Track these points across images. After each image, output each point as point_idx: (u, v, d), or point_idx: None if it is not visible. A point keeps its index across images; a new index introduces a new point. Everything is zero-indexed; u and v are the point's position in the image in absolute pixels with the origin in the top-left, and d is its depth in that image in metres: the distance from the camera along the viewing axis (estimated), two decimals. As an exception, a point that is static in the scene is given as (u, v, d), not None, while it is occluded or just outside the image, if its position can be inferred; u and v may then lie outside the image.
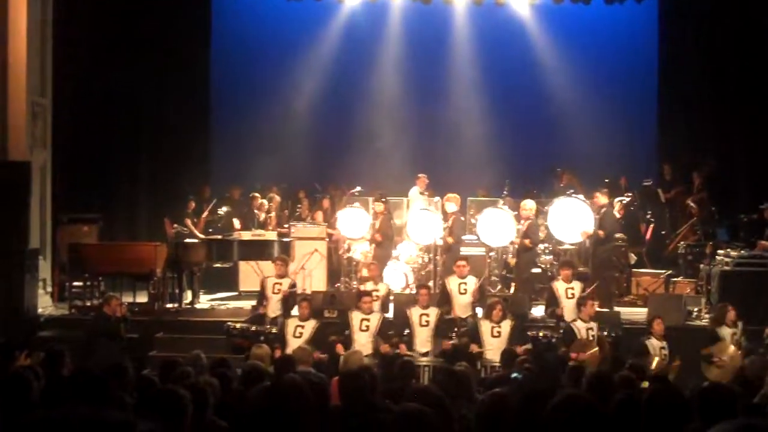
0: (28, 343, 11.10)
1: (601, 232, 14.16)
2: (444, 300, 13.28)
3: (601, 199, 14.45)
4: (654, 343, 11.69)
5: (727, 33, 17.45)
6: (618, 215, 15.09)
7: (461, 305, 13.13)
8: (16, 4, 14.04)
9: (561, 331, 12.37)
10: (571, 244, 15.19)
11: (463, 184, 17.08)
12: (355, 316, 12.24)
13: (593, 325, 12.07)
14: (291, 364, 8.51)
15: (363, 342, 11.94)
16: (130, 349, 11.95)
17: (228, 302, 15.73)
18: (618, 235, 14.90)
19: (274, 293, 13.20)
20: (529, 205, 14.64)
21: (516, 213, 14.85)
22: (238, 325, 12.78)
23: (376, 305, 12.81)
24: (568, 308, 12.81)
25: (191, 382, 6.23)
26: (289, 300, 13.07)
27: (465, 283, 13.22)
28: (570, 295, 12.89)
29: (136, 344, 12.65)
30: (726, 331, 11.99)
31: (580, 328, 12.05)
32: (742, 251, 14.12)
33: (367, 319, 12.17)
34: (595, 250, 14.42)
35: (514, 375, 11.21)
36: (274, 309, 13.08)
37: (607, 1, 17.67)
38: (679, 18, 18.14)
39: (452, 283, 13.28)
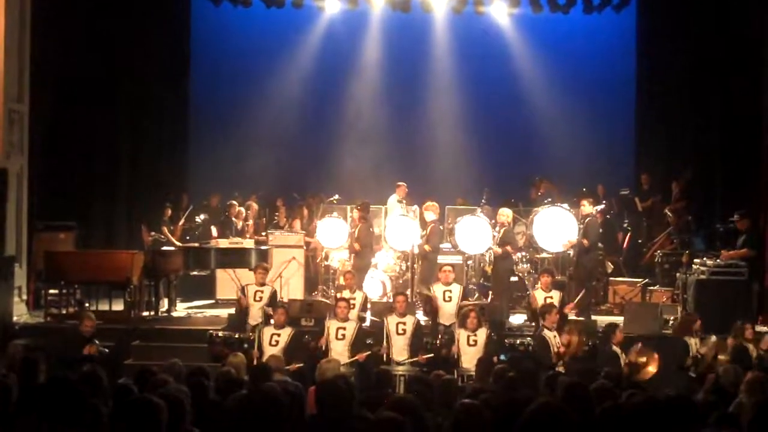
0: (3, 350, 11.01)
1: (585, 242, 14.19)
2: (431, 306, 13.28)
3: (587, 208, 14.47)
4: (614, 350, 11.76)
5: (704, 43, 17.55)
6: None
7: (445, 313, 13.10)
8: (-7, 10, 13.99)
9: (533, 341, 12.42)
10: (552, 253, 15.23)
11: (442, 193, 17.12)
12: (332, 325, 12.20)
13: (555, 333, 12.10)
14: (267, 373, 8.48)
15: (339, 350, 11.88)
16: (106, 358, 11.85)
17: (205, 310, 15.65)
18: (595, 244, 14.97)
19: (255, 301, 13.17)
20: (505, 212, 14.66)
21: (493, 221, 14.88)
22: (221, 333, 12.75)
23: (353, 313, 12.79)
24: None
25: (167, 391, 6.20)
26: (270, 308, 13.01)
27: (450, 291, 13.18)
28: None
29: (112, 353, 12.56)
30: (691, 341, 12.02)
31: (549, 336, 11.99)
32: (718, 260, 14.20)
33: (344, 328, 12.12)
34: (579, 259, 14.44)
35: (502, 356, 11.32)
36: (255, 317, 13.04)
37: (586, 11, 17.74)
38: (657, 27, 18.23)
39: (437, 290, 13.24)
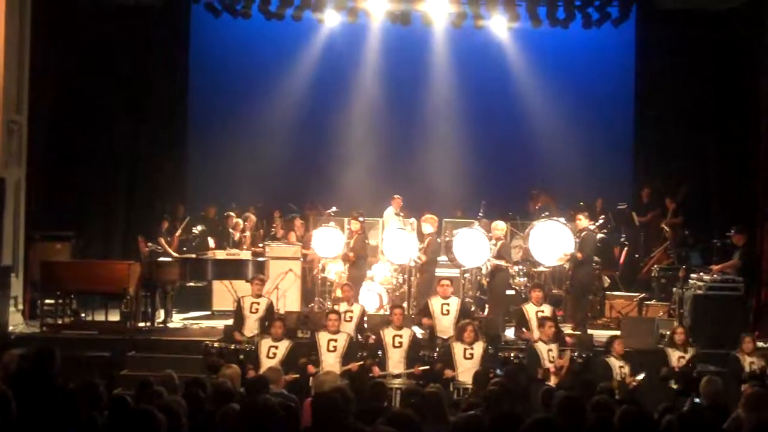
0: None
1: (580, 255, 14.18)
2: (426, 315, 13.27)
3: (582, 221, 14.47)
4: (613, 362, 11.72)
5: (703, 57, 17.61)
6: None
7: (442, 326, 13.07)
8: (-7, 21, 14.00)
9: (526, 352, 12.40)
10: (548, 267, 15.21)
11: (440, 205, 17.12)
12: (323, 337, 12.16)
13: (553, 346, 12.05)
14: (263, 385, 8.46)
15: (331, 362, 11.85)
16: (102, 368, 11.84)
17: (201, 321, 15.64)
18: (592, 258, 14.96)
19: (251, 313, 13.15)
20: (500, 225, 14.65)
21: (489, 234, 14.86)
22: (216, 344, 12.74)
23: (350, 326, 12.77)
24: (537, 331, 12.71)
25: (163, 403, 6.20)
26: (266, 320, 13.02)
27: (447, 304, 13.14)
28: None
29: (108, 363, 12.55)
30: (671, 352, 12.09)
31: (542, 349, 12.02)
32: (714, 275, 14.22)
33: (335, 340, 12.09)
34: (575, 273, 14.43)
35: (498, 371, 11.31)
36: (251, 328, 13.04)
37: (585, 26, 17.75)
38: (656, 42, 18.27)
39: (435, 303, 13.20)
